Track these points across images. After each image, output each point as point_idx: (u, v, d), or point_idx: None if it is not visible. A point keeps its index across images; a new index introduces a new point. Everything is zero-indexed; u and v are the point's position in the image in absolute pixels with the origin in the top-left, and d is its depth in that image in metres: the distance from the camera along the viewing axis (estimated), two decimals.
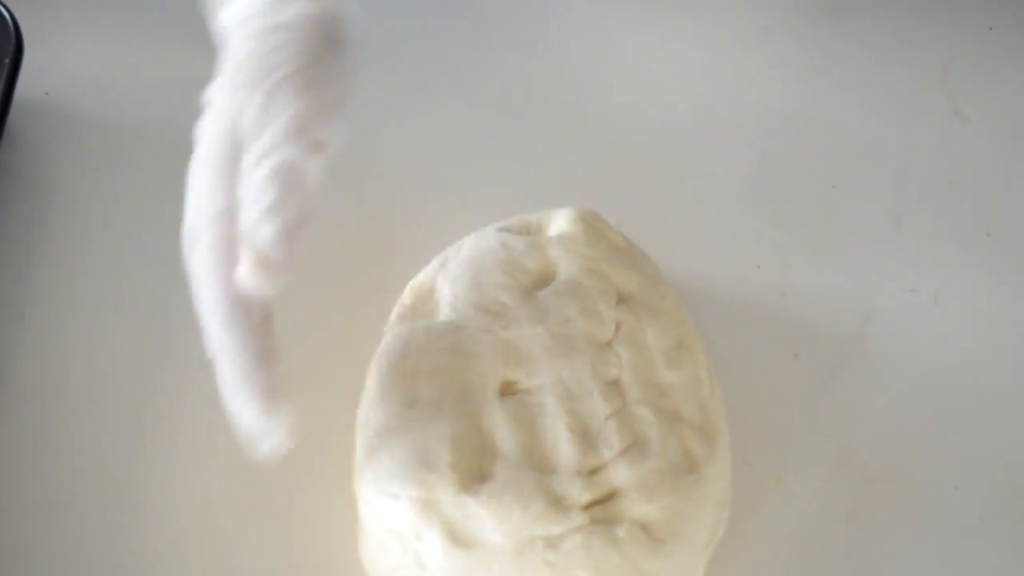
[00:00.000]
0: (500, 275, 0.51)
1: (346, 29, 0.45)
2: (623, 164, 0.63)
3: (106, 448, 0.53)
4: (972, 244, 0.62)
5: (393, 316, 0.52)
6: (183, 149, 0.62)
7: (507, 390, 0.49)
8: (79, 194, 0.59)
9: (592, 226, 0.54)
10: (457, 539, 0.46)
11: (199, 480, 0.52)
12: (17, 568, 0.50)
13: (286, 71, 0.43)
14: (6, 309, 0.56)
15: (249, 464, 0.52)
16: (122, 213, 0.59)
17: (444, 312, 0.51)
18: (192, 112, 0.65)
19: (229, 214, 0.44)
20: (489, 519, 0.45)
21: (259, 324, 0.44)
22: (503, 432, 0.47)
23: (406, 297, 0.53)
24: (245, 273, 0.42)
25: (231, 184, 0.44)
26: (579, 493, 0.46)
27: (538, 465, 0.47)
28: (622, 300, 0.52)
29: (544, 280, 0.52)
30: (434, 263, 0.53)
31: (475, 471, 0.47)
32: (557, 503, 0.46)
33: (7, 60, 0.56)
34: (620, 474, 0.47)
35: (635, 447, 0.47)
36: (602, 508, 0.46)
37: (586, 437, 0.47)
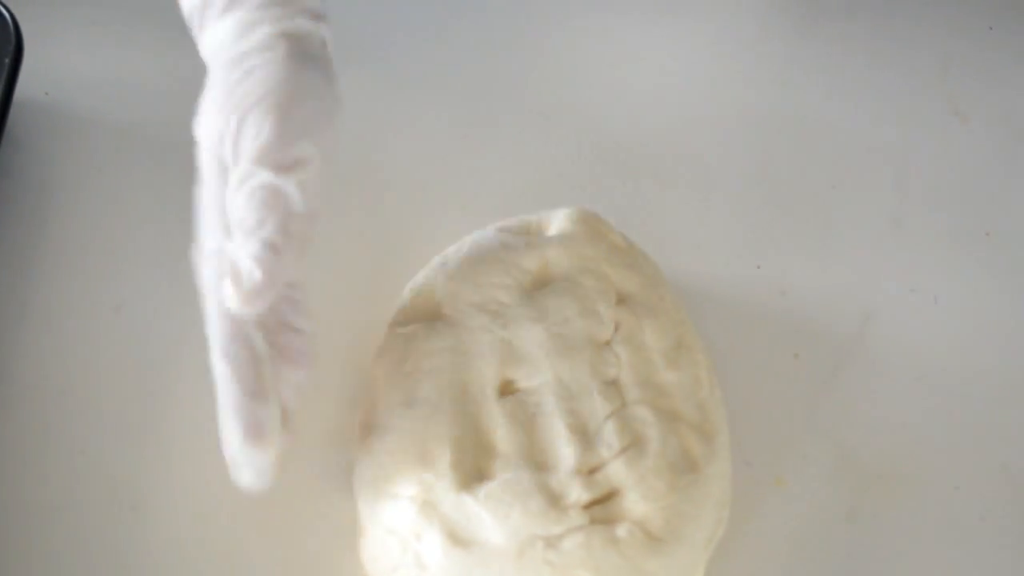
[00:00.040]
0: (500, 275, 0.51)
1: (320, 45, 0.45)
2: (623, 164, 0.63)
3: (106, 448, 0.52)
4: (972, 244, 0.62)
5: (393, 316, 0.52)
6: (183, 149, 0.62)
7: (506, 390, 0.49)
8: (79, 194, 0.59)
9: (592, 226, 0.54)
10: (457, 539, 0.46)
11: (199, 480, 0.52)
12: (17, 568, 0.50)
13: (258, 94, 0.43)
14: (6, 309, 0.56)
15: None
16: (122, 213, 0.59)
17: (444, 312, 0.51)
18: (192, 112, 0.65)
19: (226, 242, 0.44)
20: (489, 518, 0.45)
21: (258, 356, 0.44)
22: (502, 432, 0.47)
23: (406, 297, 0.53)
24: (227, 295, 0.43)
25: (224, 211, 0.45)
26: (579, 493, 0.46)
27: (537, 465, 0.47)
28: (621, 300, 0.52)
29: (543, 280, 0.52)
30: (434, 263, 0.53)
31: (475, 471, 0.47)
32: (556, 502, 0.46)
33: (7, 60, 0.56)
34: (619, 474, 0.47)
35: (634, 447, 0.47)
36: (602, 508, 0.46)
37: (585, 437, 0.47)
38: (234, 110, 0.44)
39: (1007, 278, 0.61)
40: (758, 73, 0.67)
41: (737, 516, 0.51)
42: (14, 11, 0.57)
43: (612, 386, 0.49)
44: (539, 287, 0.51)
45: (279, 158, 0.43)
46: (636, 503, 0.46)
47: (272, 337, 0.45)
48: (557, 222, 0.54)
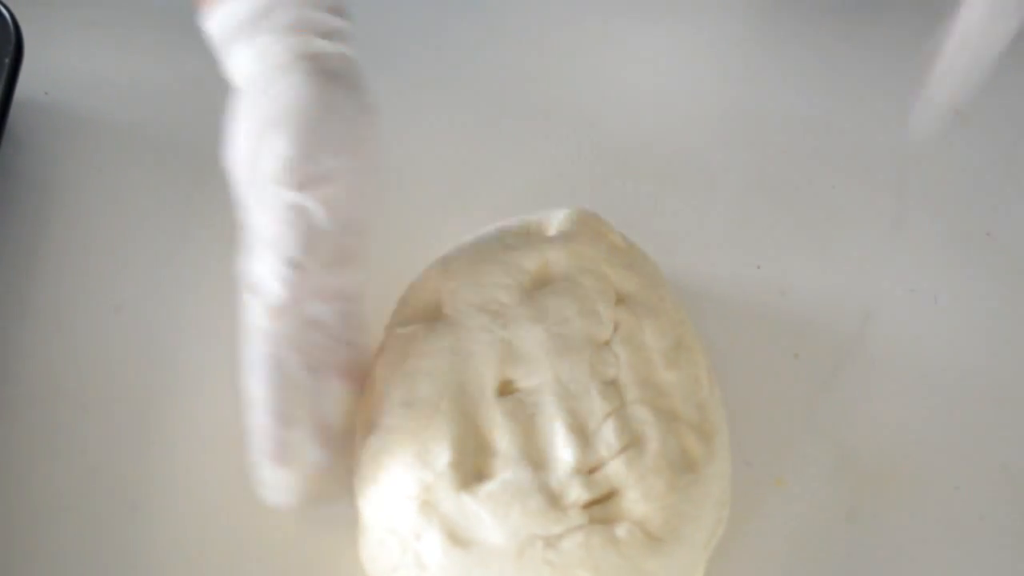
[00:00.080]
0: (500, 275, 0.51)
1: (343, 63, 0.46)
2: (623, 164, 0.63)
3: (106, 448, 0.52)
4: (972, 244, 0.62)
5: (392, 316, 0.52)
6: (183, 149, 0.62)
7: (506, 389, 0.49)
8: (79, 194, 0.59)
9: (591, 226, 0.54)
10: (457, 539, 0.46)
11: (199, 480, 0.52)
12: (18, 568, 0.50)
13: (276, 115, 0.44)
14: (6, 309, 0.56)
15: (247, 464, 0.52)
16: (122, 213, 0.59)
17: (444, 312, 0.51)
18: (192, 112, 0.65)
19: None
20: (488, 518, 0.45)
21: (290, 378, 0.46)
22: (502, 431, 0.47)
23: (406, 297, 0.53)
24: (250, 312, 0.45)
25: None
26: (578, 492, 0.46)
27: (537, 464, 0.47)
28: (621, 300, 0.52)
29: (543, 280, 0.52)
30: (434, 263, 0.53)
31: (474, 470, 0.47)
32: (556, 502, 0.46)
33: (7, 60, 0.56)
34: (619, 473, 0.47)
35: (634, 446, 0.47)
36: (601, 507, 0.46)
37: (584, 436, 0.47)
38: (255, 132, 0.45)
39: (1007, 278, 0.61)
40: (758, 73, 0.67)
41: (737, 516, 0.51)
42: (14, 11, 0.57)
43: (611, 386, 0.49)
44: (539, 287, 0.51)
45: (298, 176, 0.44)
46: (636, 503, 0.46)
47: (320, 353, 0.46)
48: (557, 222, 0.54)
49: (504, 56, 0.67)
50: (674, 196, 0.62)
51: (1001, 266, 0.62)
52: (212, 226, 0.59)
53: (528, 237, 0.53)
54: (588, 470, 0.47)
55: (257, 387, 0.46)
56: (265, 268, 0.45)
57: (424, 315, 0.51)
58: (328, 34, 0.46)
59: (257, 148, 0.45)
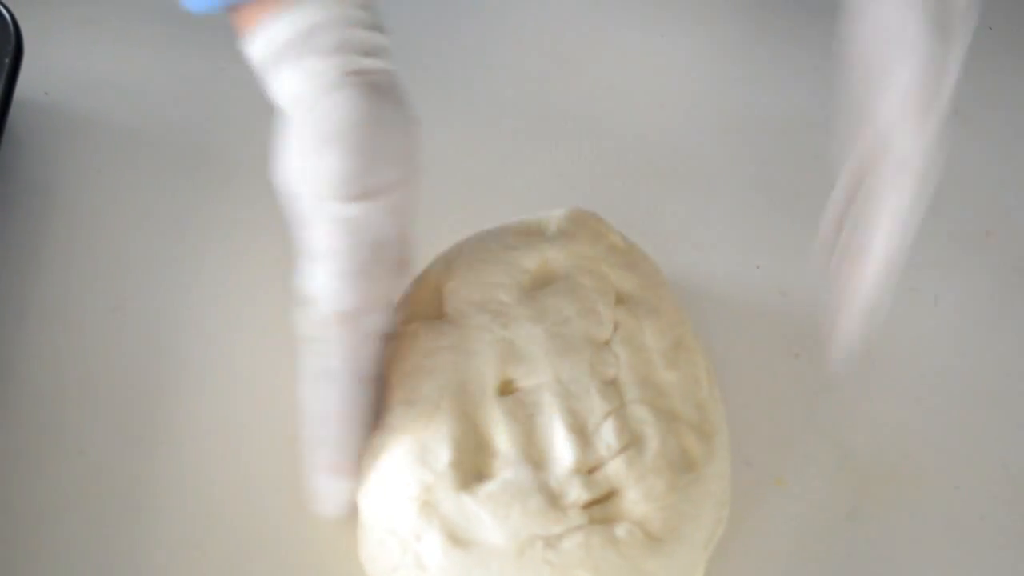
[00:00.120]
0: (500, 275, 0.51)
1: (388, 78, 0.47)
2: (623, 164, 0.63)
3: (106, 448, 0.52)
4: (972, 244, 0.62)
5: (395, 315, 0.52)
6: (183, 149, 0.62)
7: (506, 389, 0.49)
8: (79, 194, 0.59)
9: (591, 226, 0.54)
10: (457, 539, 0.46)
11: (199, 480, 0.52)
12: (18, 568, 0.50)
13: (328, 131, 0.45)
14: (6, 309, 0.56)
15: (249, 464, 0.53)
16: (122, 213, 0.59)
17: (444, 311, 0.51)
18: (192, 113, 0.65)
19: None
20: (489, 519, 0.45)
21: (355, 398, 0.47)
22: (502, 431, 0.47)
23: (407, 296, 0.53)
24: (305, 324, 0.46)
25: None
26: (578, 492, 0.46)
27: (537, 464, 0.47)
28: (620, 300, 0.52)
29: (543, 280, 0.52)
30: (434, 262, 0.53)
31: (474, 470, 0.47)
32: (556, 502, 0.46)
33: (7, 60, 0.56)
34: (619, 473, 0.47)
35: (633, 446, 0.47)
36: (601, 507, 0.46)
37: (584, 436, 0.47)
38: (311, 149, 0.45)
39: (1007, 278, 0.61)
40: (758, 73, 0.67)
41: (737, 516, 0.51)
42: (14, 11, 0.57)
43: (611, 386, 0.49)
44: (539, 287, 0.51)
45: (359, 187, 0.45)
46: (635, 503, 0.46)
47: (370, 364, 0.48)
48: (557, 222, 0.54)
49: (504, 57, 0.67)
50: (674, 196, 0.62)
51: (1001, 266, 0.62)
52: (212, 226, 0.59)
53: (528, 237, 0.53)
54: (588, 470, 0.47)
55: (318, 399, 0.47)
56: (326, 280, 0.46)
57: (425, 314, 0.51)
58: (371, 51, 0.47)
59: (314, 164, 0.45)
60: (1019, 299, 0.61)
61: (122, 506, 0.51)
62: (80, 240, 0.58)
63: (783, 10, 0.70)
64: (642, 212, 0.61)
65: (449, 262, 0.52)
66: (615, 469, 0.47)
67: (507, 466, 0.46)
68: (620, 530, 0.46)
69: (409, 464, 0.47)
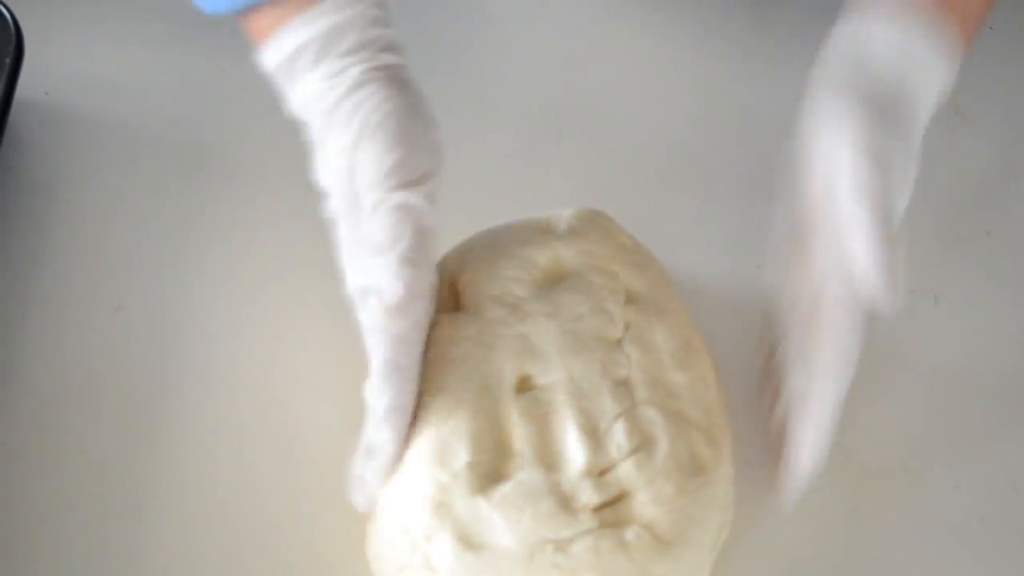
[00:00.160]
0: (513, 268, 0.51)
1: (406, 72, 0.48)
2: (624, 165, 0.63)
3: (106, 448, 0.52)
4: (972, 244, 0.62)
5: None
6: (183, 149, 0.62)
7: (523, 386, 0.49)
8: (79, 194, 0.59)
9: (601, 225, 0.54)
10: (468, 542, 0.45)
11: (200, 480, 0.52)
12: (18, 568, 0.50)
13: (371, 124, 0.46)
14: (6, 309, 0.56)
15: (251, 464, 0.52)
16: (123, 213, 0.59)
17: (462, 303, 0.51)
18: (192, 112, 0.65)
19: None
20: (501, 522, 0.45)
21: (413, 389, 0.47)
22: (518, 430, 0.47)
23: None
24: (372, 313, 0.46)
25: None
26: (589, 495, 0.46)
27: (549, 465, 0.47)
28: (630, 300, 0.51)
29: (554, 276, 0.52)
30: (447, 258, 0.53)
31: (490, 471, 0.47)
32: (567, 505, 0.46)
33: (7, 60, 0.56)
34: (629, 476, 0.47)
35: (644, 449, 0.47)
36: (612, 510, 0.46)
37: (596, 437, 0.47)
38: (351, 145, 0.46)
39: (1007, 278, 0.62)
40: (759, 73, 0.67)
41: (739, 517, 0.51)
42: (14, 11, 0.57)
43: (622, 386, 0.49)
44: (550, 283, 0.51)
45: (405, 176, 0.46)
46: (645, 506, 0.46)
47: (418, 353, 0.48)
48: (567, 220, 0.54)
49: (514, 59, 0.67)
50: (675, 196, 0.62)
51: (1001, 266, 0.62)
52: (213, 226, 0.59)
53: (539, 233, 0.53)
54: (599, 472, 0.47)
55: (383, 391, 0.47)
56: (381, 270, 0.46)
57: (440, 307, 0.51)
58: (389, 47, 0.48)
59: (354, 159, 0.46)
60: (1019, 299, 0.61)
61: (124, 506, 0.51)
62: (81, 240, 0.58)
63: (785, 11, 0.70)
64: (643, 212, 0.61)
65: (462, 256, 0.52)
66: (625, 472, 0.47)
67: (521, 467, 0.46)
68: (629, 534, 0.46)
69: (427, 462, 0.46)
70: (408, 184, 0.46)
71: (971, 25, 0.49)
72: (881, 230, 0.45)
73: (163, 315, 0.56)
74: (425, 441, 0.47)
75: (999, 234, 0.63)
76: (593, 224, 0.53)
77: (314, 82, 0.47)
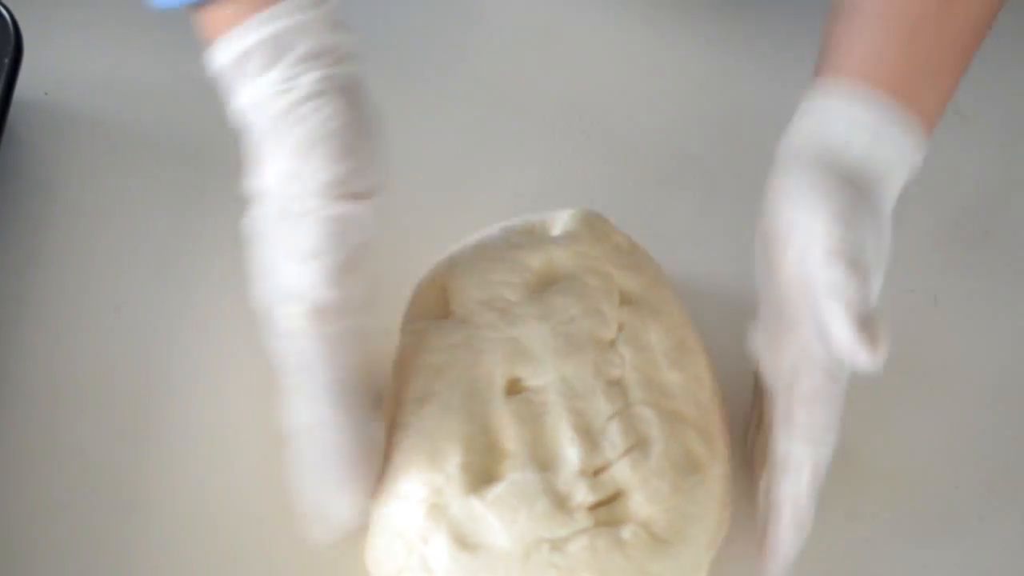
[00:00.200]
0: (506, 273, 0.51)
1: (359, 84, 0.47)
2: (624, 165, 0.63)
3: (106, 449, 0.52)
4: (972, 244, 0.62)
5: (405, 316, 0.52)
6: (183, 149, 0.62)
7: (513, 388, 0.49)
8: (79, 194, 0.59)
9: (595, 227, 0.54)
10: (464, 543, 0.45)
11: (199, 480, 0.52)
12: (18, 568, 0.50)
13: (320, 134, 0.45)
14: (6, 309, 0.56)
15: (248, 465, 0.52)
16: (122, 213, 0.59)
17: (452, 309, 0.51)
18: (192, 112, 0.65)
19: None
20: (496, 522, 0.45)
21: (370, 411, 0.47)
22: (510, 432, 0.47)
23: (415, 297, 0.53)
24: (293, 319, 0.45)
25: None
26: (584, 494, 0.46)
27: (543, 465, 0.47)
28: (624, 300, 0.52)
29: (547, 279, 0.52)
30: (440, 263, 0.53)
31: (483, 472, 0.47)
32: (563, 505, 0.46)
33: (7, 60, 0.56)
34: (624, 475, 0.47)
35: (639, 448, 0.47)
36: (607, 509, 0.46)
37: (590, 437, 0.47)
38: (297, 154, 0.45)
39: (1007, 278, 0.61)
40: (759, 74, 0.67)
41: (738, 516, 0.51)
42: (14, 11, 0.57)
43: (616, 386, 0.49)
44: (544, 286, 0.51)
45: (350, 188, 0.45)
46: (641, 504, 0.46)
47: (356, 373, 0.46)
48: (561, 222, 0.54)
49: (506, 57, 0.67)
50: (674, 196, 0.62)
51: (1001, 266, 0.62)
52: (212, 226, 0.59)
53: (532, 236, 0.53)
54: (594, 471, 0.47)
55: (304, 407, 0.46)
56: (312, 276, 0.45)
57: (431, 313, 0.51)
58: (343, 56, 0.47)
59: (299, 168, 0.45)
60: (1019, 299, 0.61)
61: (121, 506, 0.51)
62: (80, 240, 0.58)
63: (785, 12, 0.70)
64: (643, 212, 0.61)
65: (454, 261, 0.52)
66: (620, 471, 0.47)
67: (515, 467, 0.46)
68: (626, 532, 0.46)
69: (420, 465, 0.46)
70: (352, 196, 0.45)
71: (933, 107, 0.50)
72: (856, 293, 0.45)
73: (161, 316, 0.56)
74: (417, 446, 0.47)
75: (999, 234, 0.63)
76: (588, 226, 0.53)
77: (265, 86, 0.46)
